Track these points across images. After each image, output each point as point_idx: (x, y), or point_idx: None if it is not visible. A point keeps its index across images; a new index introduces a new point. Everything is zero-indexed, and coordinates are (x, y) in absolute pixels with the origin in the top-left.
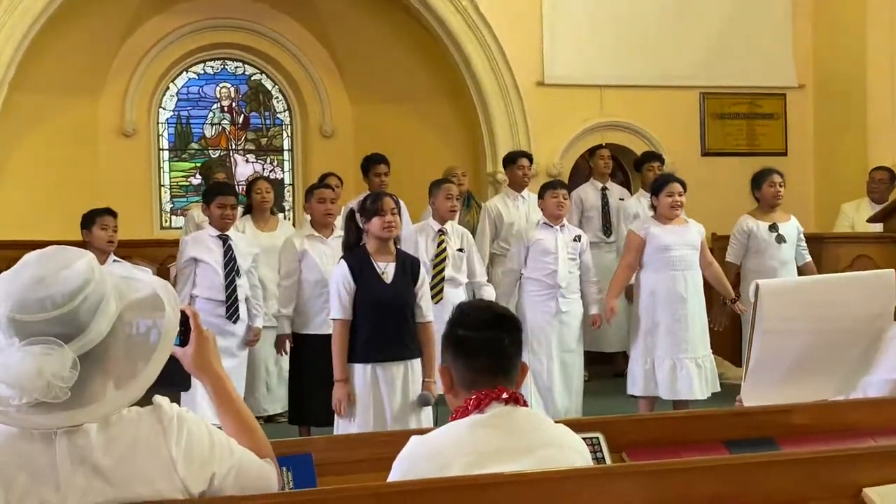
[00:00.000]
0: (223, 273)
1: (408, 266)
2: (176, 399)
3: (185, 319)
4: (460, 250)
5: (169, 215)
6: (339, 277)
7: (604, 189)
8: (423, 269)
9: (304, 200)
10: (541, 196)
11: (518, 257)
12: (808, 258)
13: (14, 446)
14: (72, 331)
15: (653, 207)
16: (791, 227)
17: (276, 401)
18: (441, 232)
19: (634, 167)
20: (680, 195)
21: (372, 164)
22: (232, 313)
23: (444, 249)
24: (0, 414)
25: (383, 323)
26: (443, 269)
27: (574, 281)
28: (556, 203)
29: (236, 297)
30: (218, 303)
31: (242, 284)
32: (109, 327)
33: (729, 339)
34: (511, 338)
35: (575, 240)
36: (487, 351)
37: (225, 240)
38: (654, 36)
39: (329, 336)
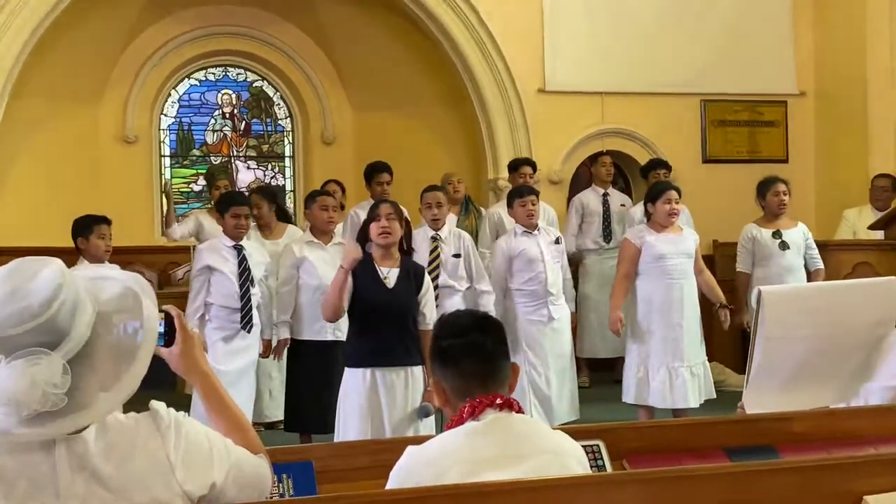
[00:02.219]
0: (238, 282)
1: (411, 273)
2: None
3: (169, 320)
4: (457, 255)
5: None
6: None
7: (605, 195)
8: (427, 278)
9: (304, 207)
10: (510, 205)
11: (503, 268)
12: (820, 265)
13: (14, 454)
14: (55, 338)
15: (647, 215)
16: (797, 234)
17: (279, 407)
18: (434, 238)
19: (641, 174)
20: (676, 202)
21: (375, 172)
22: (246, 322)
23: (438, 256)
24: (1, 432)
25: (383, 328)
26: (436, 277)
27: (562, 286)
28: (525, 212)
29: (251, 306)
30: (232, 310)
31: (256, 293)
32: (90, 329)
33: (730, 346)
34: (493, 339)
35: (556, 242)
36: (471, 355)
37: (239, 249)
38: (656, 43)
39: (326, 342)
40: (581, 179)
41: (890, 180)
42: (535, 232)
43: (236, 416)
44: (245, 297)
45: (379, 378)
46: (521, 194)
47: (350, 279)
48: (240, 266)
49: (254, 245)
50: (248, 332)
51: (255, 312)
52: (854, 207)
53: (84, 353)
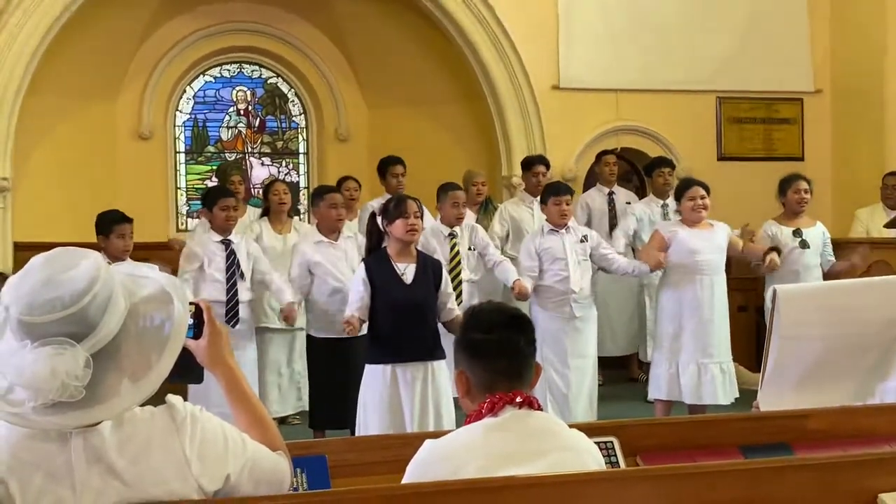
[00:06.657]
0: (225, 277)
1: (429, 268)
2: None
3: (198, 312)
4: (471, 249)
5: (185, 218)
6: (357, 279)
7: (610, 194)
8: (445, 273)
9: (311, 204)
10: (544, 202)
11: (529, 266)
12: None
13: (31, 446)
14: (83, 329)
15: (678, 212)
16: (816, 233)
17: (287, 403)
18: (452, 235)
19: (645, 172)
20: (702, 198)
21: (388, 165)
22: (231, 317)
23: (458, 253)
24: (17, 416)
25: (403, 324)
26: (459, 273)
27: (587, 285)
28: (559, 211)
29: (237, 301)
30: (218, 304)
31: (244, 289)
32: (120, 324)
33: (745, 344)
34: (526, 338)
35: (582, 240)
36: (503, 352)
37: (227, 244)
38: (671, 40)
39: (346, 339)
40: (595, 177)
41: None
42: (563, 231)
43: (258, 411)
44: (231, 291)
45: (399, 374)
46: (557, 192)
47: (367, 280)
48: (227, 260)
49: (241, 238)
50: (234, 326)
51: (241, 307)
52: (866, 207)
53: (110, 348)
